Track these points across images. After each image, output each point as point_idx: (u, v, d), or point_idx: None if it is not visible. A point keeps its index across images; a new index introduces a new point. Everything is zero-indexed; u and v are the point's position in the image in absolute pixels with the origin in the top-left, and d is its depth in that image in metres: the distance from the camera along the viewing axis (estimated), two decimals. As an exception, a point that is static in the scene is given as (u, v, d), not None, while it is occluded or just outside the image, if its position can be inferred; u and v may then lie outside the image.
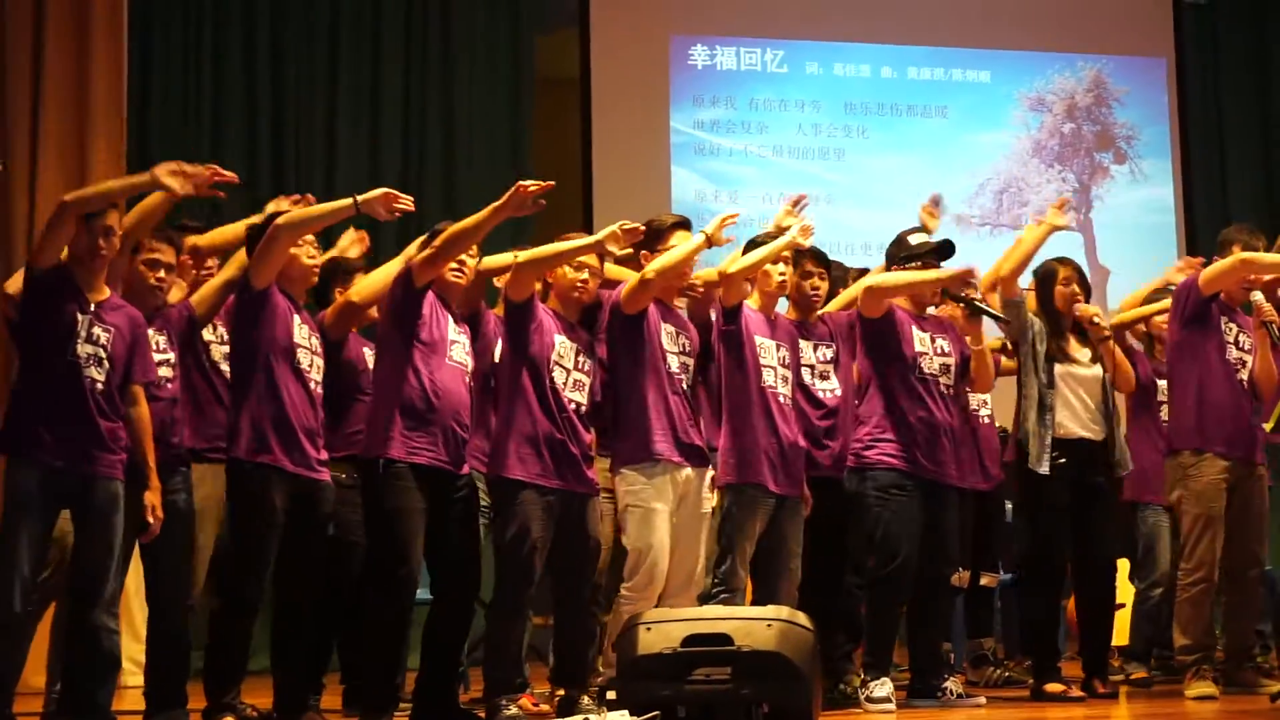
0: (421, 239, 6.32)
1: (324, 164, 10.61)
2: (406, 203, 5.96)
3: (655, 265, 6.37)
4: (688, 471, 6.39)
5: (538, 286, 6.37)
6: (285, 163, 10.44)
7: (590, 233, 7.04)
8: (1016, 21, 12.09)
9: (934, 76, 11.94)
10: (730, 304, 6.62)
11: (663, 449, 6.32)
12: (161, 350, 6.03)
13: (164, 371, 6.02)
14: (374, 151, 10.79)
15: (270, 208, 6.55)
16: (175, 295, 6.23)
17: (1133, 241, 11.30)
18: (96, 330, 5.60)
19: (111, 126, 9.13)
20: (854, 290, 7.13)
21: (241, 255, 6.22)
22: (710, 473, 6.54)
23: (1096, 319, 7.16)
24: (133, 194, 5.93)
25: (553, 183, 5.97)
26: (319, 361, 6.17)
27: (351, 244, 7.02)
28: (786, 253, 6.76)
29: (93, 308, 5.62)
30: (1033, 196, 11.92)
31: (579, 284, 6.37)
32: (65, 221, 5.54)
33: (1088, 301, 7.25)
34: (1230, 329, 7.13)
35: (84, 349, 5.56)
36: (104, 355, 5.60)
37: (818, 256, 7.12)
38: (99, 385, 5.58)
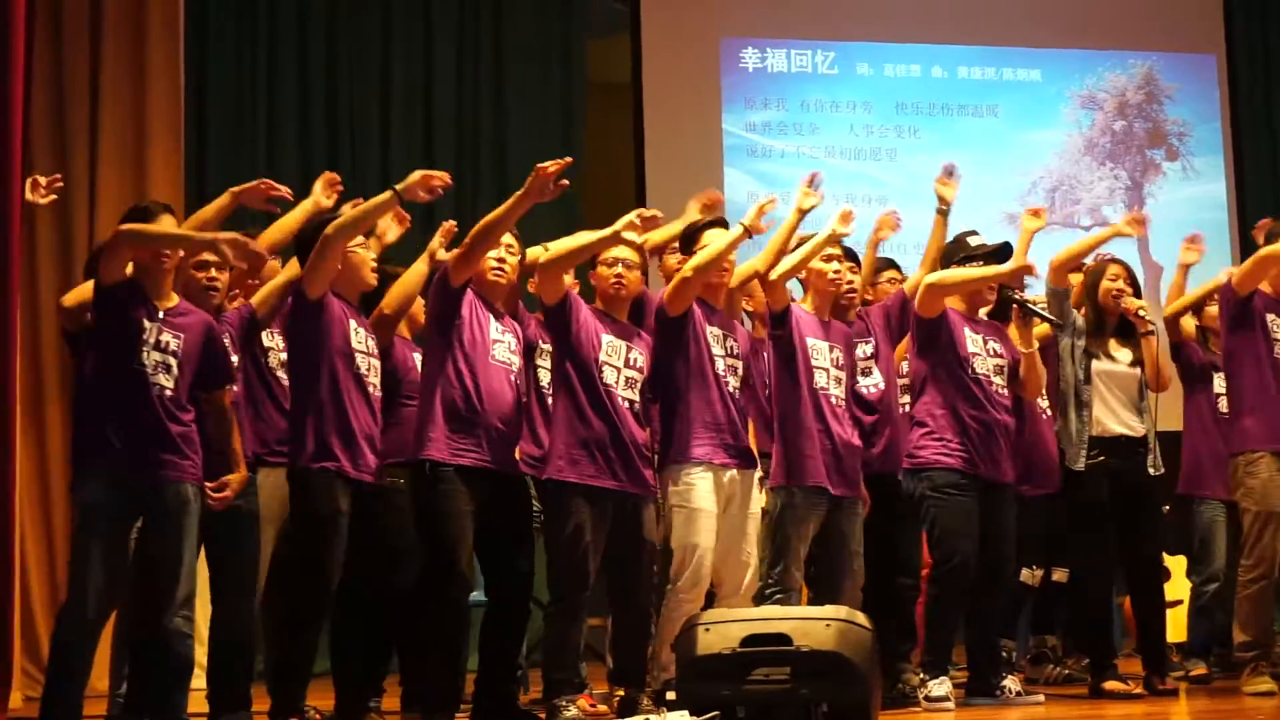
0: (436, 239, 6.37)
1: (378, 170, 10.64)
2: (442, 178, 5.96)
3: (693, 262, 6.34)
4: (734, 473, 6.38)
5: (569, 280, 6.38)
6: (340, 170, 10.46)
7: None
8: (1066, 20, 12.05)
9: (985, 76, 11.93)
10: (777, 309, 6.60)
11: (704, 452, 6.30)
12: None
13: None
14: (427, 156, 10.79)
15: (317, 188, 6.53)
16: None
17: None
18: (165, 337, 5.60)
19: (169, 129, 9.22)
20: (911, 283, 7.14)
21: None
22: (758, 475, 6.55)
23: (1142, 312, 7.15)
24: (190, 252, 5.87)
25: (570, 159, 6.03)
26: (376, 364, 6.19)
27: (389, 227, 6.63)
28: (836, 249, 6.75)
29: (161, 315, 5.62)
30: (1085, 194, 11.91)
31: (614, 280, 6.38)
32: (119, 249, 5.58)
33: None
34: (1278, 324, 7.14)
35: (152, 356, 5.55)
36: (173, 362, 5.60)
37: (844, 250, 7.12)
38: (167, 392, 5.57)
